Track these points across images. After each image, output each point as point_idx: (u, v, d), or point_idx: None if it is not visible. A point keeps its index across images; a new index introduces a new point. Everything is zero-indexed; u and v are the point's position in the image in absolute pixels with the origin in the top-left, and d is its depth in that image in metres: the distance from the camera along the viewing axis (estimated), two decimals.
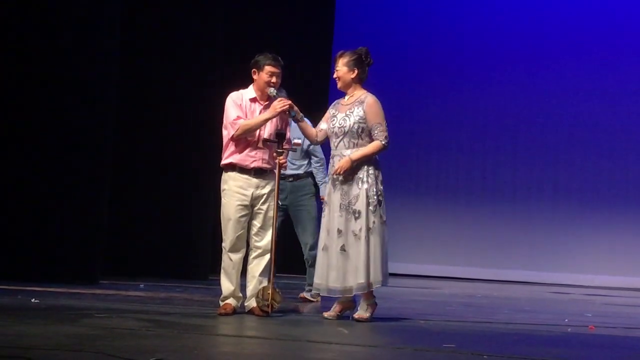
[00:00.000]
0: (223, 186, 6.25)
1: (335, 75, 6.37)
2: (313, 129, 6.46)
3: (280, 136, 6.19)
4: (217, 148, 6.52)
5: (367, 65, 6.35)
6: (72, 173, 8.58)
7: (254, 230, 6.21)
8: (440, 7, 14.19)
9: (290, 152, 7.22)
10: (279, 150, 6.16)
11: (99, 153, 8.76)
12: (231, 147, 6.21)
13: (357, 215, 6.11)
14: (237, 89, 6.37)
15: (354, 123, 6.19)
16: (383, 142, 6.19)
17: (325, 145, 6.65)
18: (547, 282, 13.14)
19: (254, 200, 6.19)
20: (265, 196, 6.21)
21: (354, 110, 6.23)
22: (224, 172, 6.27)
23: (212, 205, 8.42)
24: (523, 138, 13.91)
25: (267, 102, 6.25)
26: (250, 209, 6.20)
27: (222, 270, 6.25)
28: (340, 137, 6.24)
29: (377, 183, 6.18)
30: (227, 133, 6.22)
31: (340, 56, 6.34)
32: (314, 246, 7.72)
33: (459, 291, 10.73)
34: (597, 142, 13.61)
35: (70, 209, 8.53)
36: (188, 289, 8.61)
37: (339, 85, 6.37)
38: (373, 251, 6.08)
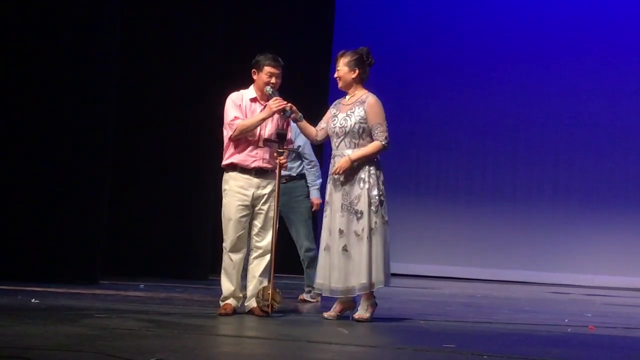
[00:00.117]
0: (224, 186, 6.26)
1: (336, 75, 6.36)
2: (313, 128, 6.45)
3: (281, 136, 6.19)
4: (217, 148, 6.53)
5: (368, 65, 6.34)
6: (72, 173, 8.58)
7: (255, 230, 6.21)
8: (440, 7, 14.19)
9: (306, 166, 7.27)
10: (279, 150, 6.17)
11: (99, 153, 8.75)
12: (232, 148, 6.21)
13: (359, 215, 6.10)
14: (237, 89, 6.37)
15: (355, 123, 6.19)
16: (383, 143, 6.18)
17: (326, 145, 6.65)
18: (547, 282, 13.14)
19: (255, 200, 6.19)
20: (266, 196, 6.21)
21: (355, 110, 6.23)
22: (225, 172, 6.27)
23: (212, 205, 8.44)
24: (523, 138, 13.91)
25: (267, 102, 6.25)
26: (251, 209, 6.19)
27: (222, 271, 6.25)
28: (341, 137, 6.24)
29: (378, 183, 6.18)
30: (226, 133, 6.23)
31: (341, 56, 6.34)
32: (310, 248, 7.72)
33: (459, 291, 10.73)
34: (597, 142, 13.61)
35: (70, 209, 8.53)
36: (188, 289, 8.61)
37: (340, 85, 6.37)
38: (375, 251, 6.08)
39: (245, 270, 6.28)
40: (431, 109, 14.00)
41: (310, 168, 7.85)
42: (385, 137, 6.20)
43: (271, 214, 6.19)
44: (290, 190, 7.71)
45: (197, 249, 10.15)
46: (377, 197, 6.13)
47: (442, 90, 13.93)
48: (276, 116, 6.23)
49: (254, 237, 6.21)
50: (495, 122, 13.92)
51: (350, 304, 6.28)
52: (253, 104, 6.26)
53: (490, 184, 13.96)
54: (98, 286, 8.31)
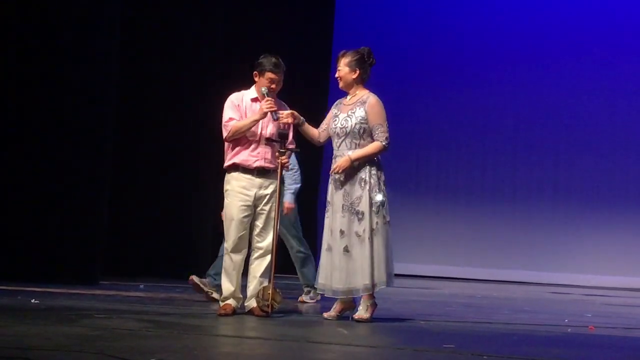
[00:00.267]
0: (226, 186, 6.26)
1: (337, 75, 6.36)
2: (315, 130, 6.44)
3: (282, 136, 6.19)
4: (217, 148, 6.52)
5: (369, 65, 6.34)
6: (72, 173, 8.59)
7: (256, 230, 6.21)
8: (440, 7, 14.19)
9: None
10: (281, 150, 6.17)
11: (99, 153, 8.76)
12: (234, 148, 6.22)
13: (360, 216, 6.10)
14: (237, 89, 6.38)
15: (356, 124, 6.19)
16: (383, 143, 6.18)
17: (327, 145, 6.63)
18: (547, 282, 13.14)
19: (257, 200, 6.19)
20: (268, 196, 6.20)
21: (356, 110, 6.22)
22: (227, 173, 6.28)
23: (212, 206, 8.44)
24: (523, 138, 13.91)
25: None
26: (253, 209, 6.19)
27: (222, 271, 6.25)
28: (342, 138, 6.23)
29: (379, 183, 6.18)
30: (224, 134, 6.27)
31: (342, 56, 6.33)
32: (300, 249, 7.68)
33: (459, 291, 10.73)
34: (597, 142, 13.61)
35: (70, 209, 8.53)
36: (188, 289, 8.57)
37: (341, 85, 6.36)
38: (377, 252, 6.08)
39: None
40: (431, 109, 14.00)
41: (289, 172, 7.74)
42: (386, 138, 6.19)
43: (273, 214, 6.18)
44: None
45: (197, 249, 10.15)
46: (379, 199, 6.12)
47: (442, 90, 13.93)
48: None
49: (255, 237, 6.21)
50: (495, 122, 13.92)
51: (351, 304, 6.27)
52: (254, 103, 6.26)
53: (490, 184, 13.96)
54: (98, 286, 8.31)
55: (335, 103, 6.45)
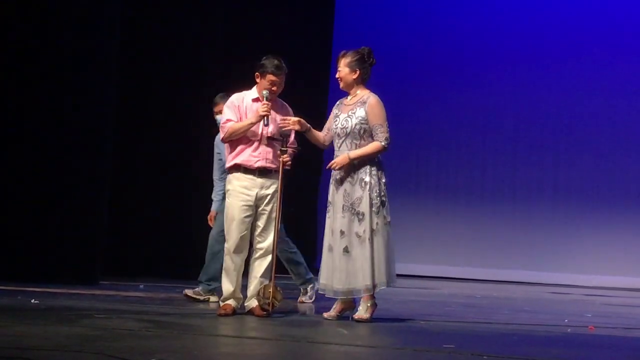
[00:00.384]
0: (227, 187, 6.27)
1: (337, 76, 6.35)
2: (320, 133, 6.42)
3: (284, 135, 6.19)
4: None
5: (369, 65, 6.33)
6: (72, 173, 8.59)
7: (257, 231, 6.21)
8: (440, 7, 14.19)
9: (220, 166, 7.15)
10: (282, 149, 6.16)
11: (99, 153, 8.76)
12: (235, 149, 6.22)
13: (360, 217, 6.10)
14: (237, 89, 6.38)
15: (356, 124, 6.18)
16: (382, 143, 6.17)
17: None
18: (547, 282, 13.13)
19: (259, 200, 6.18)
20: (269, 197, 6.20)
21: (356, 110, 6.22)
22: (228, 174, 6.28)
23: None
24: (523, 138, 13.90)
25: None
26: (254, 209, 6.19)
27: (223, 271, 6.25)
28: (343, 138, 6.23)
29: (380, 184, 6.17)
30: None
31: (343, 56, 6.32)
32: (284, 249, 7.59)
33: (458, 291, 10.73)
34: (597, 142, 13.60)
35: (70, 209, 8.53)
36: (188, 289, 8.59)
37: (342, 85, 6.36)
38: (377, 253, 6.07)
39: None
40: (431, 109, 14.00)
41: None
42: (386, 138, 6.19)
43: (274, 214, 6.18)
44: None
45: (197, 249, 10.14)
46: (378, 199, 6.12)
47: (442, 90, 13.93)
48: (278, 116, 6.23)
49: (256, 237, 6.21)
50: (495, 122, 13.91)
51: (351, 304, 6.27)
52: (255, 104, 6.26)
53: (490, 184, 13.96)
54: (98, 286, 8.31)
55: (337, 103, 6.45)
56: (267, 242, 6.19)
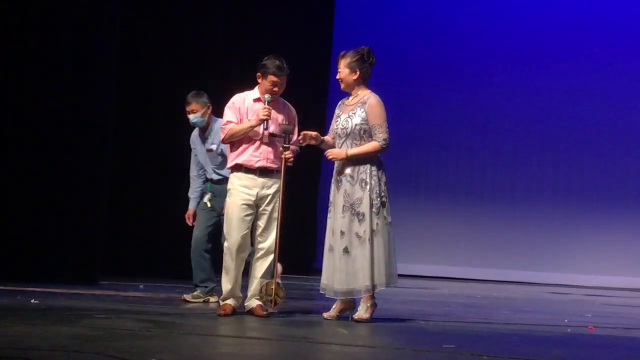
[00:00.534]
0: (228, 186, 6.27)
1: (338, 77, 6.34)
2: (329, 139, 6.38)
3: (286, 132, 6.18)
4: None
5: (369, 65, 6.32)
6: (72, 173, 8.59)
7: (258, 231, 6.20)
8: (440, 7, 14.20)
9: (211, 160, 7.13)
10: (285, 145, 6.15)
11: (99, 153, 8.76)
12: (236, 149, 6.22)
13: (360, 217, 6.09)
14: (237, 89, 6.38)
15: (356, 125, 6.18)
16: (380, 143, 6.16)
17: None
18: (546, 283, 13.14)
19: (259, 200, 6.18)
20: (270, 196, 6.19)
21: (357, 111, 6.22)
22: (230, 173, 6.28)
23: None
24: (523, 138, 13.92)
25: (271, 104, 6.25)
26: (255, 209, 6.18)
27: (223, 271, 6.24)
28: (344, 138, 6.22)
29: (380, 184, 6.17)
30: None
31: (342, 57, 6.31)
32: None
33: (458, 291, 10.74)
34: (597, 142, 13.62)
35: (70, 209, 8.52)
36: (188, 289, 8.59)
37: (342, 86, 6.35)
38: (377, 253, 6.07)
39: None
40: (431, 109, 14.01)
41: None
42: (384, 139, 6.18)
43: (275, 214, 6.17)
44: (225, 192, 7.38)
45: None
46: (378, 199, 6.12)
47: (442, 90, 13.94)
48: (279, 116, 6.23)
49: (257, 237, 6.20)
50: (495, 122, 13.93)
51: (350, 304, 6.27)
52: (256, 104, 6.26)
53: (490, 184, 13.97)
54: (98, 286, 8.31)
55: (339, 103, 6.44)
56: (268, 242, 6.18)
